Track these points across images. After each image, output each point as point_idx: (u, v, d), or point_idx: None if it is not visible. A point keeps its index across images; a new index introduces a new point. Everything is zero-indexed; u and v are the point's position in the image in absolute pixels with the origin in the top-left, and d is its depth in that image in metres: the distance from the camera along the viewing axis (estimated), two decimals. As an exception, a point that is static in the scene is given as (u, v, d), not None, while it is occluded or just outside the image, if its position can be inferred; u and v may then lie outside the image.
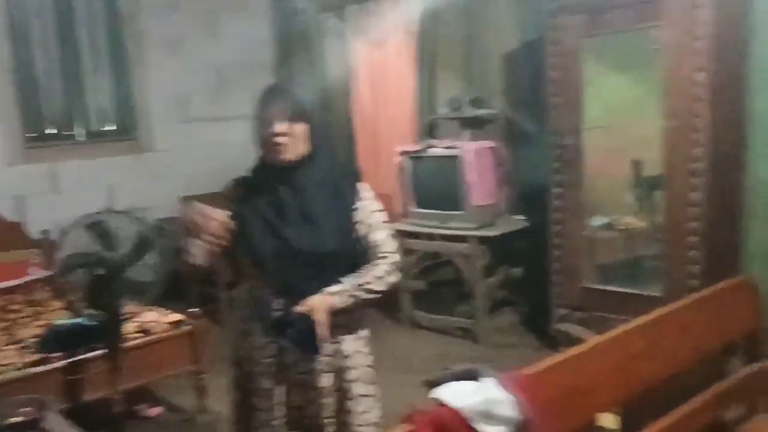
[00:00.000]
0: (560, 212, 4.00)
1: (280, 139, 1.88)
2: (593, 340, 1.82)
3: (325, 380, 2.00)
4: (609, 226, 4.08)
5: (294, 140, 1.90)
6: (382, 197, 5.78)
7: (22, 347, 3.29)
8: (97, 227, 3.02)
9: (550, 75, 3.94)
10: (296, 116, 1.90)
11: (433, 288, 5.05)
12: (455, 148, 4.34)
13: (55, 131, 5.39)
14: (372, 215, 2.01)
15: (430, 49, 5.24)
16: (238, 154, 5.34)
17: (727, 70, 3.33)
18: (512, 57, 4.79)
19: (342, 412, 2.04)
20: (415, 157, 4.56)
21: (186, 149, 5.77)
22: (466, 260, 4.38)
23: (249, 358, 2.05)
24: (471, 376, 1.49)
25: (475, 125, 4.95)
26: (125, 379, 3.17)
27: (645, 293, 3.66)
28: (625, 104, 3.87)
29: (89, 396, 3.15)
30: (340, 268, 1.95)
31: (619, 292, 3.81)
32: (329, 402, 2.02)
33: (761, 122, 3.37)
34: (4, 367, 3.03)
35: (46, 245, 4.95)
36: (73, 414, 2.88)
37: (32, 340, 3.36)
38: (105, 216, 3.05)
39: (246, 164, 2.10)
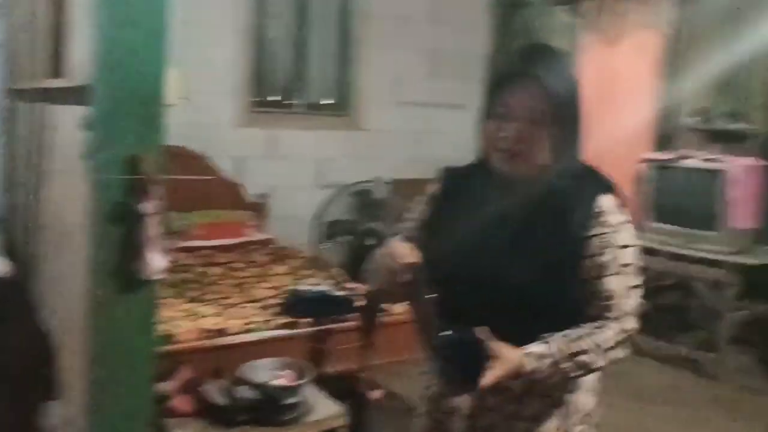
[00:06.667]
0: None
1: (511, 145, 1.37)
2: None
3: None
4: None
5: (530, 148, 1.36)
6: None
7: (261, 307, 3.22)
8: (363, 195, 2.89)
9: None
10: (541, 116, 1.36)
11: (654, 312, 4.61)
12: (718, 161, 3.88)
13: (277, 99, 5.44)
14: (611, 251, 1.38)
15: (681, 52, 4.79)
16: (444, 144, 5.25)
17: None
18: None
19: None
20: (664, 167, 4.14)
21: (395, 132, 5.63)
22: (713, 287, 3.91)
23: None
24: None
25: (727, 140, 4.46)
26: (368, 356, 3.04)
27: None
28: None
29: (331, 368, 3.03)
30: (541, 319, 1.35)
31: None
32: None
33: None
34: (254, 325, 2.96)
35: (262, 208, 4.99)
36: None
37: (266, 301, 3.30)
38: (373, 185, 2.88)
39: (451, 156, 1.79)
